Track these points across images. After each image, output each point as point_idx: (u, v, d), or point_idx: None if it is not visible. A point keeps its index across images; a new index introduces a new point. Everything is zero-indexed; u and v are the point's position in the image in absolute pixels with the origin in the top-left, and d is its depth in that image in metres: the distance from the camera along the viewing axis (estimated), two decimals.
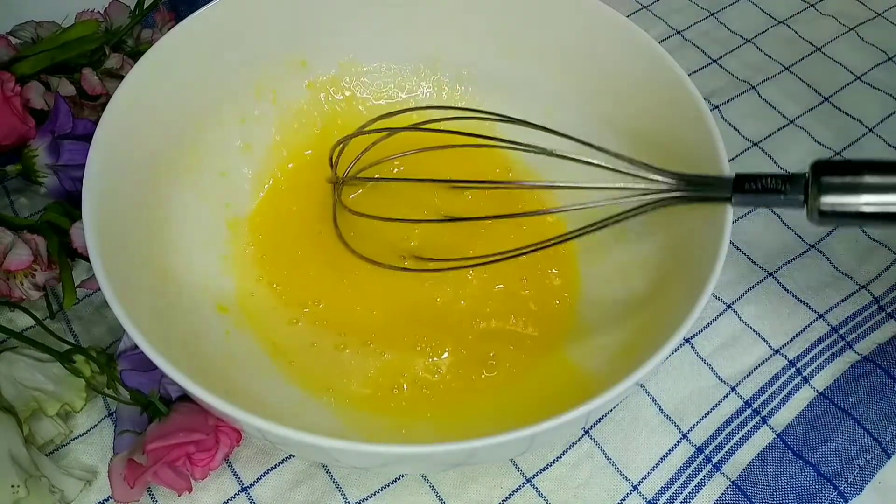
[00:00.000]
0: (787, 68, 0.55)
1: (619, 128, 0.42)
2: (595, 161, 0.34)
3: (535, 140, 0.36)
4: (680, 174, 0.34)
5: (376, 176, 0.43)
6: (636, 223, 0.40)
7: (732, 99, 0.53)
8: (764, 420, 0.39)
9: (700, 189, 0.33)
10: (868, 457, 0.38)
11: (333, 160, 0.41)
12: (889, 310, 0.43)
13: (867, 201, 0.29)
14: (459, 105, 0.46)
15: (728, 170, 0.34)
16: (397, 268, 0.39)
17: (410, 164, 0.44)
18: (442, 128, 0.38)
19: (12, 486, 0.32)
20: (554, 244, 0.36)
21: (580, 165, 0.43)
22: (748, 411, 0.39)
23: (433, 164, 0.44)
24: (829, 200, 0.29)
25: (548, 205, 0.43)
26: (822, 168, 0.30)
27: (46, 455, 0.36)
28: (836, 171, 0.30)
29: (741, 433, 0.39)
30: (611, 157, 0.35)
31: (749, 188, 0.31)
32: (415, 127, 0.39)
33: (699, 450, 0.38)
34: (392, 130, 0.40)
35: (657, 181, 0.33)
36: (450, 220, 0.42)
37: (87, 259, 0.32)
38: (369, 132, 0.40)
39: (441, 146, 0.39)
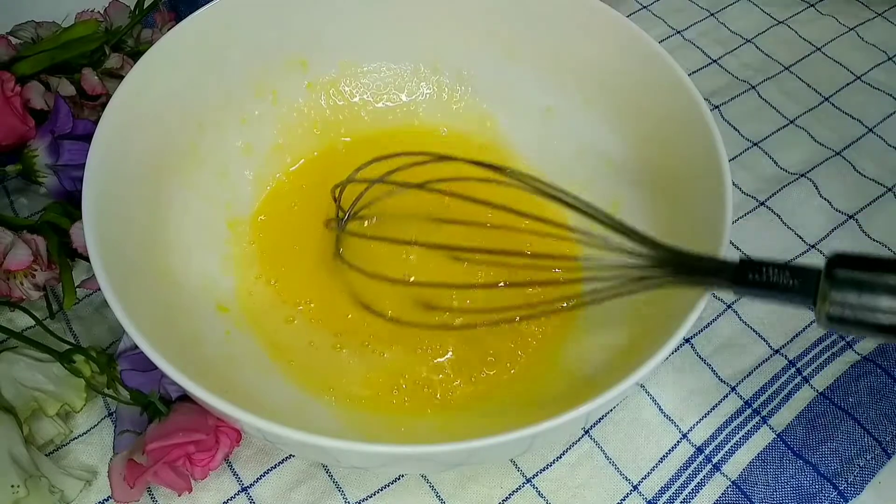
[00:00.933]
0: (787, 68, 0.55)
1: (618, 127, 0.42)
2: (595, 234, 0.32)
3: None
4: (680, 254, 0.30)
5: (377, 234, 0.41)
6: (636, 221, 0.40)
7: (732, 99, 0.53)
8: (764, 420, 0.39)
9: (699, 274, 0.30)
10: (868, 457, 0.38)
11: (336, 196, 0.40)
12: None
13: (889, 306, 0.25)
14: (459, 105, 0.46)
15: (728, 174, 0.34)
16: (392, 319, 0.38)
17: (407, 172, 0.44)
18: (447, 184, 0.36)
19: (12, 486, 0.32)
20: (555, 312, 0.36)
21: (582, 168, 0.44)
22: (748, 411, 0.39)
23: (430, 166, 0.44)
24: (841, 299, 0.26)
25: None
26: (838, 261, 0.26)
27: (46, 455, 0.36)
28: (855, 265, 0.26)
29: (741, 433, 0.39)
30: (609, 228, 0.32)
31: (753, 279, 0.28)
32: (419, 185, 0.37)
33: (699, 450, 0.38)
34: (397, 184, 0.38)
35: (655, 261, 0.31)
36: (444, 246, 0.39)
37: (87, 259, 0.32)
38: (363, 180, 0.38)
39: (436, 185, 0.37)
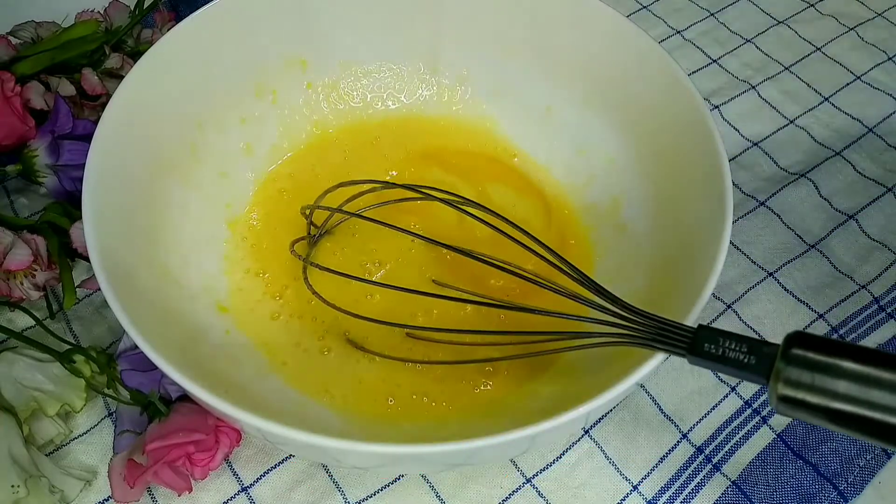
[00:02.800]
0: (787, 68, 0.55)
1: (618, 127, 0.42)
2: (559, 288, 0.32)
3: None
4: (639, 314, 0.29)
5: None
6: (636, 221, 0.40)
7: (732, 99, 0.53)
8: (764, 420, 0.39)
9: (654, 338, 0.29)
10: (868, 457, 0.38)
11: (307, 214, 0.39)
12: (889, 310, 0.43)
13: (845, 391, 0.24)
14: (459, 106, 0.46)
15: (728, 174, 0.34)
16: (364, 349, 0.38)
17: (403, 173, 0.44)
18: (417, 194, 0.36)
19: (12, 486, 0.32)
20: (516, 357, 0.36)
21: (582, 167, 0.44)
22: (748, 411, 0.39)
23: (432, 160, 0.44)
24: (796, 378, 0.25)
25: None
26: (796, 341, 0.26)
27: (46, 455, 0.36)
28: (813, 346, 0.25)
29: (741, 433, 0.39)
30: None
31: (708, 350, 0.27)
32: (364, 216, 0.37)
33: (699, 450, 0.38)
34: (347, 214, 0.38)
35: (613, 319, 0.30)
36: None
37: (87, 259, 0.32)
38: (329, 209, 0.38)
39: (414, 198, 0.37)
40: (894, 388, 0.24)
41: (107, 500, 0.35)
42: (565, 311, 0.32)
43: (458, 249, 0.34)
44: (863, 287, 0.44)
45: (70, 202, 0.42)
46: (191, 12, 0.39)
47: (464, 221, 0.40)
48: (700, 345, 0.27)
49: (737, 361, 0.27)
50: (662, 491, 0.37)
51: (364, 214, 0.37)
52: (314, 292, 0.37)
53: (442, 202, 0.35)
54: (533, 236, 0.34)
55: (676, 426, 0.39)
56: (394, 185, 0.37)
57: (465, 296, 0.35)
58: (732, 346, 0.27)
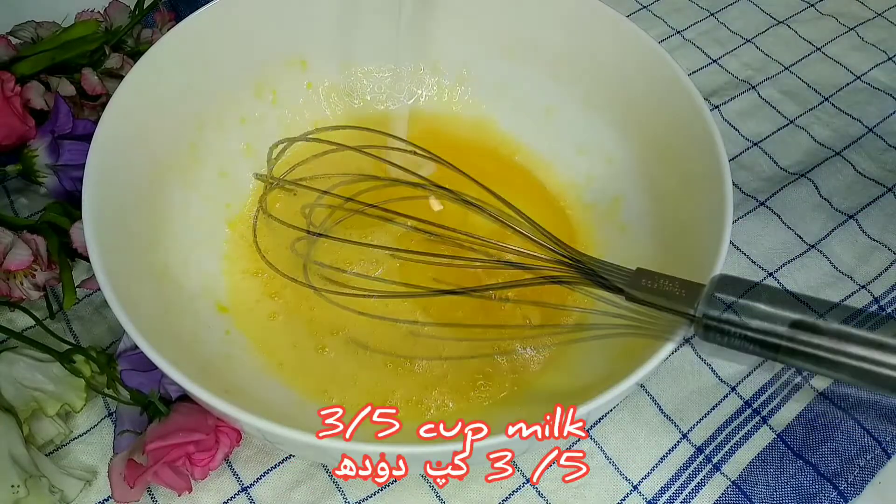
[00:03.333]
0: (787, 68, 0.55)
1: (618, 127, 0.42)
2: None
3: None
4: (581, 254, 0.33)
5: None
6: (636, 221, 0.40)
7: (732, 99, 0.53)
8: (764, 420, 0.39)
9: (595, 278, 0.33)
10: (868, 457, 0.38)
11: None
12: (889, 310, 0.43)
13: (757, 326, 0.29)
14: (459, 106, 0.46)
15: (728, 174, 0.34)
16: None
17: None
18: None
19: (12, 486, 0.32)
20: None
21: (582, 167, 0.44)
22: (748, 411, 0.39)
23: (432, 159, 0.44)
24: (716, 313, 0.29)
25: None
26: (720, 283, 0.30)
27: (46, 455, 0.36)
28: (733, 288, 0.30)
29: (741, 433, 0.39)
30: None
31: (645, 285, 0.31)
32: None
33: (699, 450, 0.38)
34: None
35: (557, 259, 0.33)
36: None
37: (87, 259, 0.32)
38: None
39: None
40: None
41: (107, 500, 0.35)
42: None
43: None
44: (863, 287, 0.44)
45: (70, 202, 0.42)
46: (191, 12, 0.39)
47: (466, 223, 0.40)
48: (638, 280, 0.31)
49: (671, 294, 0.30)
50: (662, 491, 0.37)
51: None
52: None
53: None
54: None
55: (676, 426, 0.39)
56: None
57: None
58: (667, 284, 0.31)
